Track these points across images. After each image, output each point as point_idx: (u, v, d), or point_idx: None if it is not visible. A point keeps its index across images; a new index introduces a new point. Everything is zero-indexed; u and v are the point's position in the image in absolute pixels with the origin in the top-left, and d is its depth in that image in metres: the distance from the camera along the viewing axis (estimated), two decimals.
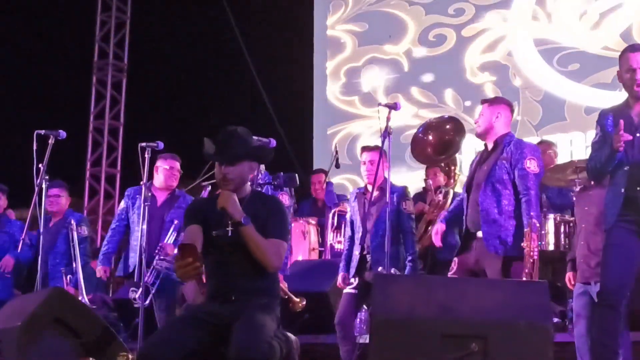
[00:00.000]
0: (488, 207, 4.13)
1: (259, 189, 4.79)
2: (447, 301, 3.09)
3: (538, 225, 4.15)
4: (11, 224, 6.07)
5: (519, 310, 3.05)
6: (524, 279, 4.05)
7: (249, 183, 3.55)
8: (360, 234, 4.77)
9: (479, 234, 4.14)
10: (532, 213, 4.07)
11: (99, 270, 5.17)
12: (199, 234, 3.27)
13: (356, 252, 4.73)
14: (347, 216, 5.10)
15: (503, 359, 2.89)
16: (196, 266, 3.05)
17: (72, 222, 5.79)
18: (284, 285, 4.82)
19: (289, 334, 3.51)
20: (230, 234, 3.22)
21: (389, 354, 2.97)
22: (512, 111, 4.33)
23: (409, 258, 4.70)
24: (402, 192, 4.77)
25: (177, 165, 5.28)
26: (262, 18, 9.41)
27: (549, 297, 3.35)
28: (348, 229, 4.98)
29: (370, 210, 4.77)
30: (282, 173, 5.52)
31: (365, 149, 4.90)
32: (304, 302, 4.67)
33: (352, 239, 4.89)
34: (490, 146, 4.14)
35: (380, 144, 4.53)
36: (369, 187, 4.67)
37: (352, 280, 4.74)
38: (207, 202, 3.66)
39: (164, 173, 4.94)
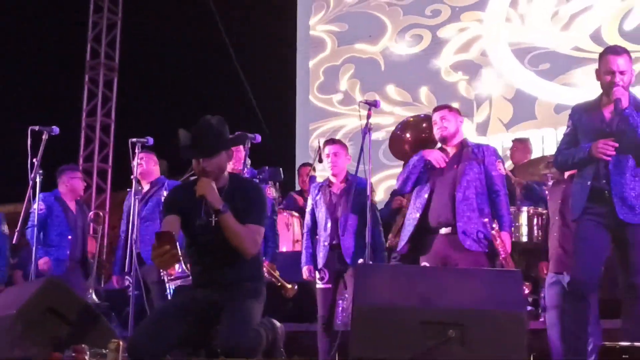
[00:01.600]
0: (463, 205, 4.29)
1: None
2: (426, 290, 3.21)
3: (510, 223, 4.39)
4: None
5: (494, 298, 3.18)
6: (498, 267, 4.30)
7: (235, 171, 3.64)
8: (326, 224, 4.87)
9: (443, 230, 4.32)
10: (503, 212, 4.33)
11: (117, 280, 5.30)
12: (176, 223, 3.29)
13: (325, 243, 4.78)
14: (308, 209, 5.18)
15: (479, 345, 3.00)
16: (173, 254, 3.08)
17: None
18: (276, 272, 5.11)
19: (275, 322, 3.62)
20: (213, 223, 3.27)
21: (370, 342, 3.07)
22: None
23: (382, 249, 4.86)
24: (370, 185, 4.83)
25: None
26: (248, 18, 9.65)
27: (522, 286, 3.64)
28: (308, 221, 5.07)
29: (340, 201, 4.87)
30: (267, 167, 5.70)
31: (328, 142, 5.02)
32: (296, 288, 4.84)
33: (311, 231, 5.00)
34: (452, 149, 4.36)
35: (360, 140, 4.61)
36: (333, 179, 4.84)
37: (319, 273, 4.87)
38: (185, 190, 3.60)
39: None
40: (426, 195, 4.39)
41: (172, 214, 3.37)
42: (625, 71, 3.70)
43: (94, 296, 5.89)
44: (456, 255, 4.30)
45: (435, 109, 4.54)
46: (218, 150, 3.28)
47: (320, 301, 4.87)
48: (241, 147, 5.05)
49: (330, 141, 5.01)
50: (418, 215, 4.33)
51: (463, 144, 4.35)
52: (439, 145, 4.62)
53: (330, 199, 4.85)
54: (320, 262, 4.77)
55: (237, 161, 5.03)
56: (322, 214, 4.91)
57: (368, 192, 4.54)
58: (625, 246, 3.81)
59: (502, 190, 4.37)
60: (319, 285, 4.81)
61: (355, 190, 4.67)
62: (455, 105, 5.11)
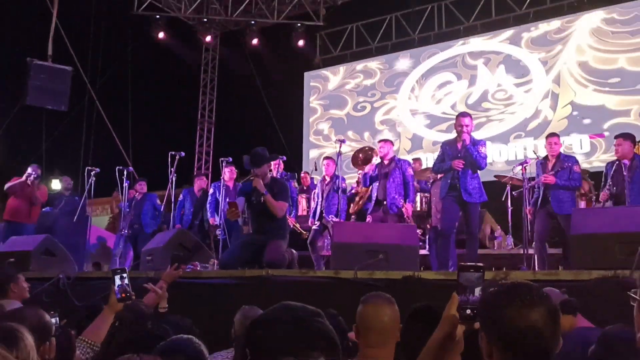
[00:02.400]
0: (391, 189, 6.33)
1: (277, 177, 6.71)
2: (369, 234, 4.57)
3: (412, 199, 6.33)
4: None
5: (403, 238, 4.55)
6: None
7: (270, 174, 5.04)
8: (318, 204, 7.03)
9: (384, 202, 6.22)
10: (411, 195, 6.45)
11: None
12: (242, 200, 4.90)
13: (319, 210, 6.97)
14: (313, 195, 7.21)
15: (395, 262, 4.26)
16: (236, 212, 4.64)
17: None
18: (297, 224, 7.34)
19: (292, 250, 5.35)
20: (261, 201, 4.82)
21: (340, 261, 4.35)
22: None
23: (344, 214, 6.82)
24: (343, 180, 6.91)
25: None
26: (280, 97, 13.02)
27: (417, 232, 5.24)
28: (312, 202, 7.16)
29: (325, 189, 7.12)
30: (289, 173, 8.01)
31: (326, 158, 7.49)
32: (306, 233, 7.01)
33: (314, 212, 7.06)
34: (387, 162, 6.49)
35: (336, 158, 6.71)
36: (327, 178, 7.08)
37: (316, 222, 7.00)
38: (249, 184, 5.10)
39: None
40: (375, 185, 6.34)
41: (241, 196, 5.00)
42: (468, 125, 5.61)
43: None
44: (387, 216, 6.23)
45: (380, 143, 6.58)
46: (262, 165, 4.83)
47: (311, 234, 6.91)
48: (280, 161, 7.62)
49: (327, 157, 7.58)
50: (374, 195, 6.40)
51: (394, 159, 6.55)
52: (377, 160, 6.57)
53: (322, 188, 7.15)
54: (316, 217, 6.97)
55: (276, 168, 7.54)
56: (318, 198, 7.06)
57: (343, 184, 6.81)
58: (466, 214, 5.56)
59: (410, 183, 6.40)
60: (313, 227, 7.03)
61: (337, 183, 6.96)
62: (388, 139, 7.09)
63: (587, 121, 10.04)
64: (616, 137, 6.12)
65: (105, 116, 11.40)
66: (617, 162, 5.98)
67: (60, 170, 9.91)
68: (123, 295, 2.74)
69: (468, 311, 1.53)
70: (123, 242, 7.79)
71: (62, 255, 6.00)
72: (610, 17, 10.41)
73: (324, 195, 7.13)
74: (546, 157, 6.21)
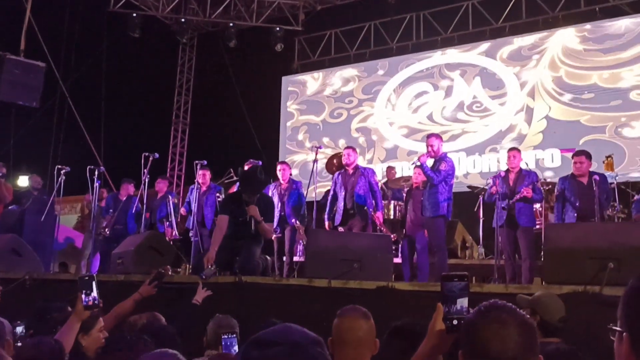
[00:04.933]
0: (361, 199, 6.50)
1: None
2: (344, 242, 4.72)
3: (381, 208, 6.57)
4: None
5: (377, 247, 4.66)
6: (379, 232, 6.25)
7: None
8: (277, 210, 6.76)
9: (351, 211, 6.46)
10: (379, 203, 6.65)
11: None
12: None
13: (278, 216, 6.86)
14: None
15: (369, 271, 4.36)
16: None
17: None
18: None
19: (267, 256, 5.32)
20: (248, 219, 4.83)
21: (315, 269, 4.44)
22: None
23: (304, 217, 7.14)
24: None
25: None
26: (258, 103, 12.97)
27: (390, 241, 5.29)
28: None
29: (285, 194, 7.13)
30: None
31: (280, 163, 7.47)
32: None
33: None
34: (351, 171, 6.69)
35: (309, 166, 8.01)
36: (284, 183, 7.32)
37: (276, 228, 6.70)
38: (233, 197, 5.31)
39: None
40: (341, 195, 6.63)
41: (225, 210, 5.03)
42: (433, 145, 6.22)
43: None
44: (355, 225, 6.49)
45: (347, 151, 6.77)
46: (256, 194, 4.95)
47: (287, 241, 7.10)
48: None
49: (281, 163, 7.57)
50: (341, 206, 6.65)
51: (359, 168, 6.76)
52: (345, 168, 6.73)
53: (281, 194, 7.21)
54: (275, 222, 6.54)
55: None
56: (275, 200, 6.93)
57: (301, 189, 7.16)
58: (426, 225, 6.32)
59: (377, 192, 6.66)
60: (276, 235, 6.84)
61: (296, 187, 7.21)
62: (353, 147, 7.14)
63: (561, 136, 10.20)
64: (578, 154, 6.31)
65: (77, 114, 11.19)
66: (572, 178, 6.19)
67: (29, 167, 9.87)
68: (90, 303, 2.69)
69: (455, 322, 1.52)
70: (93, 243, 7.72)
71: (28, 255, 5.96)
72: (583, 35, 10.68)
73: (284, 200, 7.12)
74: (507, 171, 6.38)
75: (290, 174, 7.52)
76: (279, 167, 7.45)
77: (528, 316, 1.43)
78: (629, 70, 10.07)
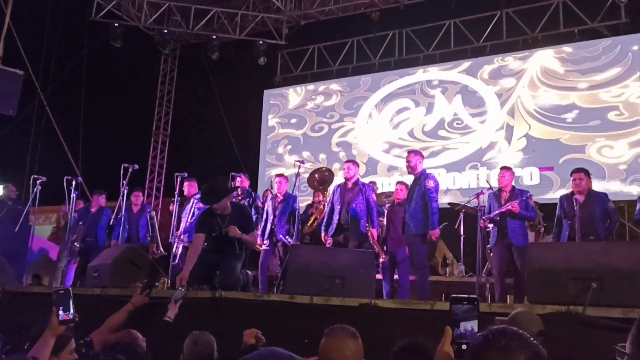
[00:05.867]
0: (355, 213, 6.41)
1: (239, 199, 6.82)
2: (325, 258, 4.51)
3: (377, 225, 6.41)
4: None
5: (360, 264, 4.54)
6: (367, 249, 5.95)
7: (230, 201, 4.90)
8: (269, 222, 7.10)
9: (346, 227, 6.35)
10: (375, 221, 6.47)
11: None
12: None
13: (269, 228, 7.05)
14: (263, 212, 7.25)
15: (351, 288, 4.28)
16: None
17: None
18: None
19: (247, 271, 5.18)
20: (223, 233, 4.75)
21: (296, 285, 4.34)
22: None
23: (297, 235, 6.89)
24: (297, 200, 7.03)
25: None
26: (241, 117, 13.05)
27: (374, 258, 5.18)
28: (260, 220, 7.20)
29: (278, 207, 7.07)
30: (249, 189, 7.80)
31: (278, 175, 7.40)
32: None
33: (263, 231, 7.05)
34: (350, 185, 6.61)
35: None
36: (280, 196, 7.13)
37: (265, 241, 6.99)
38: (206, 213, 5.00)
39: None
40: (337, 209, 6.52)
41: (202, 229, 4.89)
42: (410, 161, 6.20)
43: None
44: (347, 241, 6.44)
45: (348, 164, 6.67)
46: (221, 199, 4.81)
47: (262, 256, 6.93)
48: (244, 178, 7.62)
49: (279, 175, 7.52)
50: (335, 219, 6.55)
51: (358, 183, 6.63)
52: (341, 181, 6.65)
53: (275, 206, 7.14)
54: (266, 239, 7.02)
55: (242, 184, 7.59)
56: (269, 217, 7.06)
57: (297, 205, 7.00)
58: (408, 242, 6.22)
59: (373, 209, 6.47)
60: (263, 247, 7.02)
61: (290, 202, 7.05)
62: (355, 161, 7.21)
63: (541, 155, 10.29)
64: (577, 170, 6.24)
65: (55, 123, 11.03)
66: (571, 196, 6.14)
67: (4, 176, 9.63)
68: (65, 317, 2.63)
69: (463, 346, 1.49)
70: (68, 255, 7.58)
71: (1, 267, 5.82)
72: (561, 56, 10.87)
73: (276, 213, 7.05)
74: (500, 190, 6.36)
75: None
76: (276, 179, 7.36)
77: (540, 346, 1.38)
78: (606, 92, 10.25)
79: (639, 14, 10.27)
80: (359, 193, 6.51)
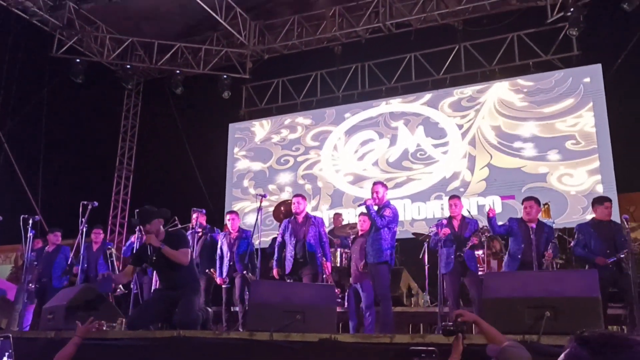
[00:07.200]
0: (311, 247, 6.54)
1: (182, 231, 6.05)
2: (287, 294, 4.49)
3: (329, 257, 6.57)
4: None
5: (321, 298, 4.51)
6: (324, 282, 6.37)
7: (164, 230, 4.87)
8: (225, 259, 7.11)
9: (301, 260, 6.40)
10: (328, 254, 6.68)
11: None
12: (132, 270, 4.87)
13: (227, 265, 7.15)
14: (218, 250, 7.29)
15: (311, 324, 4.20)
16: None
17: None
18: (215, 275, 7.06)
19: (207, 307, 5.33)
20: (155, 257, 4.70)
21: (257, 321, 4.28)
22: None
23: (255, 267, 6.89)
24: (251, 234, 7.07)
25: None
26: (205, 152, 12.95)
27: (335, 293, 5.24)
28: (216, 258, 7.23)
29: (235, 244, 7.16)
30: (208, 225, 7.88)
31: (230, 213, 7.53)
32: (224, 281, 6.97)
33: (220, 269, 7.13)
34: (301, 220, 6.65)
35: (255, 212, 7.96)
36: (233, 233, 7.36)
37: (225, 279, 7.06)
38: (144, 246, 4.95)
39: None
40: (291, 243, 6.55)
41: (135, 261, 4.94)
42: (377, 192, 6.32)
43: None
44: (304, 274, 6.54)
45: (297, 199, 6.73)
46: (151, 220, 4.79)
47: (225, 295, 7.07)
48: (199, 214, 7.54)
49: (230, 212, 7.64)
50: (291, 254, 6.59)
51: (307, 216, 6.76)
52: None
53: (230, 243, 7.21)
54: (225, 271, 7.12)
55: (196, 221, 7.55)
56: (224, 255, 7.17)
57: (251, 240, 7.00)
58: (370, 272, 6.26)
59: (325, 243, 6.66)
60: (224, 286, 7.13)
61: (244, 236, 7.17)
62: (303, 195, 7.05)
63: (503, 184, 10.47)
64: (528, 199, 6.40)
65: (14, 159, 10.79)
66: (522, 222, 6.27)
67: None
68: None
69: None
70: (26, 296, 7.35)
71: None
72: (517, 87, 11.17)
73: (233, 250, 7.07)
74: (450, 218, 6.54)
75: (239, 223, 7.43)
76: (228, 216, 7.34)
77: None
78: (562, 122, 10.56)
79: (590, 47, 10.62)
80: (312, 226, 6.55)
